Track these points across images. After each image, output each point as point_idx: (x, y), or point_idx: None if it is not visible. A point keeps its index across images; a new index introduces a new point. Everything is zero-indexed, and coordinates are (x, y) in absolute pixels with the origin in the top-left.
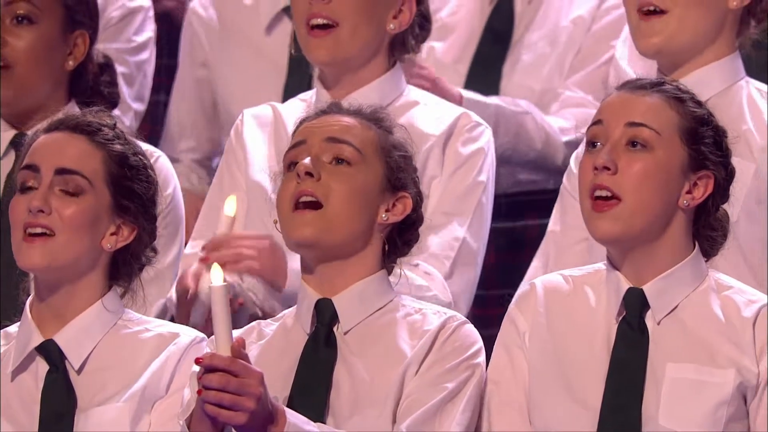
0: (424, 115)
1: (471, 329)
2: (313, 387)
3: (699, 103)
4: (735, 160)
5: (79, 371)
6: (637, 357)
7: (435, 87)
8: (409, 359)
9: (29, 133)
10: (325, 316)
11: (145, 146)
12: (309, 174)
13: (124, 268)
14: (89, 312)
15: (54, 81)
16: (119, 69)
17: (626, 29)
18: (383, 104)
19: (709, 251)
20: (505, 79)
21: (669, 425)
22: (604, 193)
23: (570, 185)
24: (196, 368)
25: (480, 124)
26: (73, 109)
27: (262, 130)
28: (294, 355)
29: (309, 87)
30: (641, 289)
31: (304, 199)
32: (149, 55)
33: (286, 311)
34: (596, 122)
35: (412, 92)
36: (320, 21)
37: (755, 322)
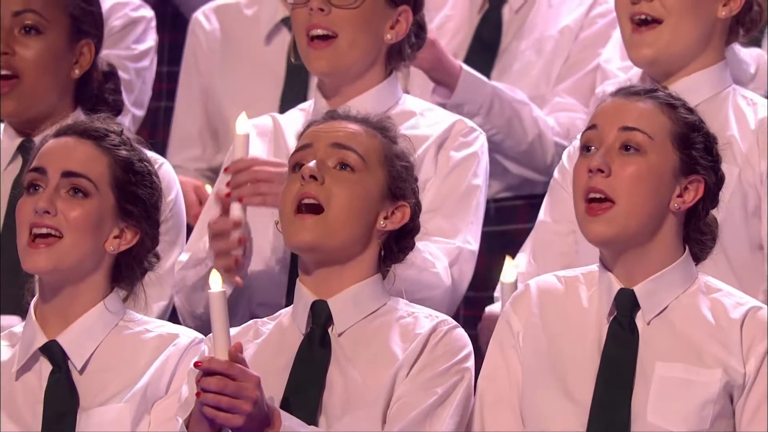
0: (420, 122)
1: (461, 333)
2: (306, 386)
3: (690, 110)
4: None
5: (81, 371)
6: (627, 356)
7: (434, 48)
8: (400, 362)
9: (37, 139)
10: (320, 317)
11: (149, 154)
12: (313, 177)
13: (126, 272)
14: (91, 313)
15: (61, 89)
16: (119, 75)
17: (614, 34)
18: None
19: (698, 255)
20: None
21: (657, 422)
22: (597, 196)
23: (561, 178)
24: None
25: (474, 129)
26: (79, 116)
27: (262, 140)
28: (289, 354)
29: (306, 96)
30: (632, 290)
31: (306, 201)
32: (149, 63)
33: (282, 310)
34: (591, 127)
35: (408, 101)
36: (319, 32)
37: (743, 323)
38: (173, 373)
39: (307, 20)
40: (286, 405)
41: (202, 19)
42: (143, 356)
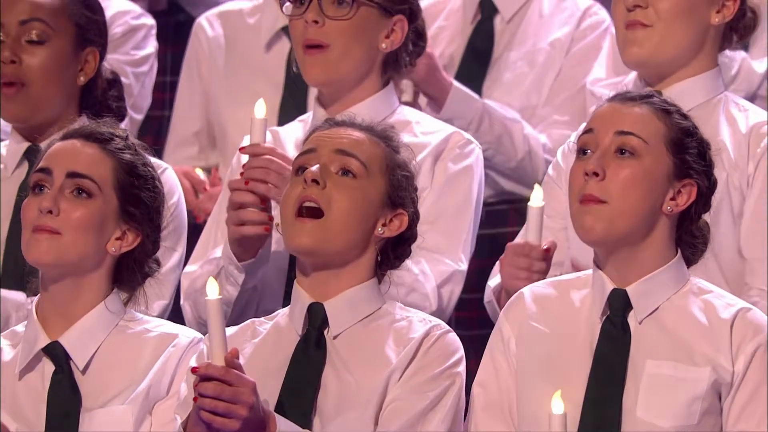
0: (416, 131)
1: (453, 338)
2: (302, 387)
3: (685, 116)
4: None
5: (83, 371)
6: (618, 354)
7: (430, 60)
8: (393, 365)
9: (43, 145)
10: (316, 319)
11: (153, 160)
12: (315, 181)
13: (127, 274)
14: (92, 313)
15: (66, 96)
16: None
17: (604, 52)
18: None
19: (690, 258)
20: (486, 96)
21: (646, 418)
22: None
23: (555, 175)
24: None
25: (471, 141)
26: (84, 122)
27: None
28: (285, 355)
29: (305, 103)
30: (625, 290)
31: (307, 204)
32: (149, 69)
33: (280, 311)
34: (587, 131)
35: (405, 111)
36: (313, 43)
37: (733, 323)
38: (173, 373)
39: (303, 32)
40: (281, 405)
41: (206, 24)
42: (144, 356)
